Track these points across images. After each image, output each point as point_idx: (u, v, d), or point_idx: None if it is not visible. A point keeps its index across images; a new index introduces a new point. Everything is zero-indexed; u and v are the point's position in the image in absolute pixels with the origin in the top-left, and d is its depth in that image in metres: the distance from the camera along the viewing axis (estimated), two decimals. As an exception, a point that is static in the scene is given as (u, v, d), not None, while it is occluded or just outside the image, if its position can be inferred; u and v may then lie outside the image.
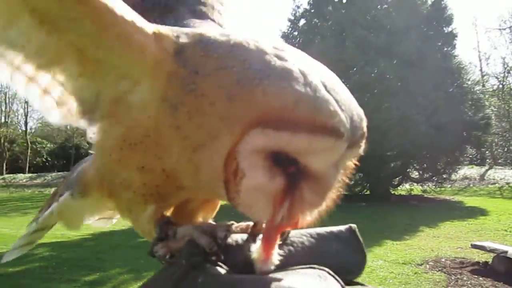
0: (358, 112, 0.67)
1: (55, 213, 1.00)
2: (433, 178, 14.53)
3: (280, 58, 0.65)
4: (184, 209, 0.93)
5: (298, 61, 0.66)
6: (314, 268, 0.69)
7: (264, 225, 0.77)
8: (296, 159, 0.65)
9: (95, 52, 0.72)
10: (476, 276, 5.63)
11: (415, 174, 14.92)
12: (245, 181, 0.67)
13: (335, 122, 0.62)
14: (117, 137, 0.77)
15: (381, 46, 12.97)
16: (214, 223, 0.84)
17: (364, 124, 0.69)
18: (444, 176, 14.47)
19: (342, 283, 0.66)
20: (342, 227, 0.79)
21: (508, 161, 23.67)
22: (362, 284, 0.75)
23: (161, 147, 0.74)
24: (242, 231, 0.83)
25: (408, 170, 14.60)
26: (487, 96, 16.60)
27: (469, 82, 14.39)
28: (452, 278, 5.57)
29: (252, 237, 0.77)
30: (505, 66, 26.46)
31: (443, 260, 6.41)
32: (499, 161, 24.45)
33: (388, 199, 13.32)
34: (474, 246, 6.35)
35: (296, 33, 16.03)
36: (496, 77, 27.30)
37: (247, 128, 0.64)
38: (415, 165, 14.63)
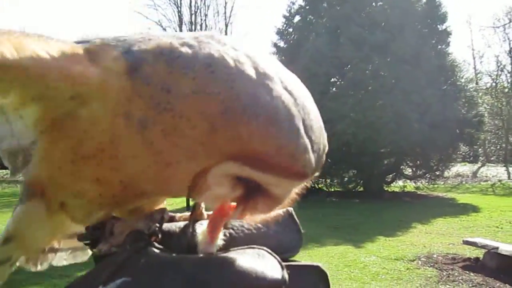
0: (324, 142, 0.68)
1: (10, 228, 0.94)
2: (426, 175, 14.61)
3: (266, 88, 0.63)
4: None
5: (282, 92, 0.64)
6: (253, 248, 0.73)
7: (206, 212, 0.84)
8: (259, 182, 0.67)
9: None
10: (467, 272, 5.68)
11: (408, 171, 15.00)
12: (208, 193, 0.69)
13: (306, 169, 0.65)
14: (66, 150, 0.74)
15: (376, 43, 12.99)
16: (148, 212, 0.86)
17: (325, 151, 0.71)
18: (437, 173, 14.56)
19: (280, 260, 0.70)
20: (280, 210, 0.81)
21: (501, 158, 23.86)
22: (298, 261, 0.81)
23: (118, 160, 0.73)
24: (184, 219, 0.87)
25: (401, 167, 14.66)
26: (480, 94, 16.72)
27: (463, 80, 14.47)
28: (444, 273, 5.62)
29: (192, 222, 0.81)
30: (499, 64, 26.65)
31: (435, 256, 6.46)
32: (492, 158, 24.64)
33: (381, 195, 13.38)
34: (466, 242, 6.40)
35: (291, 29, 16.00)
36: (490, 75, 27.50)
37: (225, 158, 0.64)
38: (408, 162, 14.71)
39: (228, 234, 0.78)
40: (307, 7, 15.53)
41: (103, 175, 0.76)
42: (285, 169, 0.63)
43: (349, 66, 13.43)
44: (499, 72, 26.62)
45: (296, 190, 0.74)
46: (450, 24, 14.64)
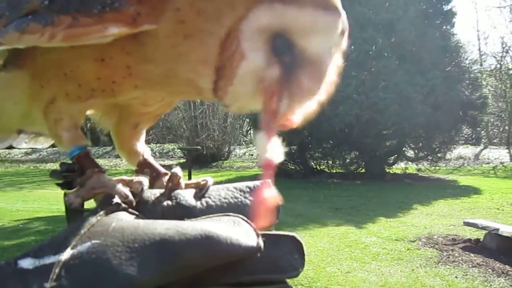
0: None
1: None
2: (428, 157, 14.57)
3: None
4: (125, 118, 0.92)
5: None
6: (229, 215, 0.74)
7: (184, 181, 0.83)
8: (294, 44, 0.66)
9: None
10: (467, 253, 5.70)
11: (410, 153, 14.96)
12: (244, 64, 0.67)
13: (335, 2, 0.68)
14: None
15: (380, 23, 12.83)
16: (129, 178, 0.83)
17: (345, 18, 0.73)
18: (439, 155, 14.53)
19: (255, 228, 0.70)
20: (258, 182, 0.82)
21: (503, 141, 23.78)
22: (275, 231, 0.80)
23: (135, 40, 0.70)
24: (160, 187, 0.86)
25: (403, 149, 14.62)
26: (484, 75, 16.58)
27: (467, 61, 14.31)
28: (444, 254, 5.65)
29: (168, 191, 0.80)
30: (504, 45, 26.29)
31: (435, 237, 6.49)
32: (494, 141, 24.57)
33: (383, 177, 13.39)
34: (467, 224, 6.42)
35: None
36: (494, 57, 27.20)
37: (252, 4, 0.64)
38: (410, 144, 14.66)
39: (204, 203, 0.78)
40: (311, -13, 15.30)
41: (110, 56, 0.73)
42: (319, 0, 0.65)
43: (352, 47, 13.28)
44: (504, 54, 26.30)
45: (336, 51, 0.72)
46: (455, 4, 14.45)
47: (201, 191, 0.81)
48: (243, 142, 24.01)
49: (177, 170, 0.85)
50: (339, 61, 0.75)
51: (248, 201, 0.80)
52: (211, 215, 0.74)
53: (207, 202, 0.78)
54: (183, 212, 0.76)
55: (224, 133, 19.91)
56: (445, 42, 13.60)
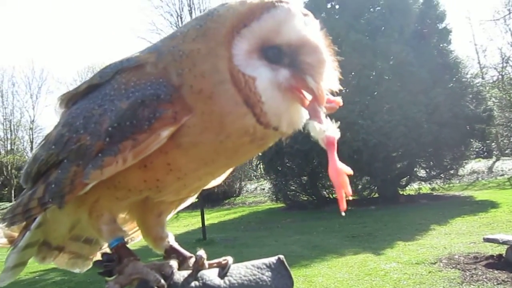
0: None
1: (36, 224, 1.04)
2: (441, 175, 14.44)
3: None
4: (149, 209, 1.06)
5: None
6: None
7: (208, 262, 0.96)
8: (277, 44, 0.82)
9: None
10: (491, 270, 5.58)
11: (422, 173, 14.83)
12: (258, 82, 0.81)
13: None
14: None
15: (377, 48, 13.00)
16: (160, 262, 0.96)
17: None
18: (452, 172, 14.38)
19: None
20: (273, 259, 0.96)
21: (515, 151, 23.51)
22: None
23: (170, 140, 0.84)
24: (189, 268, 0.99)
25: (415, 169, 14.51)
26: (487, 88, 16.57)
27: (468, 76, 14.37)
28: (467, 273, 5.52)
29: (195, 271, 0.92)
30: (503, 56, 26.36)
31: (456, 256, 6.36)
32: (506, 151, 24.29)
33: (397, 200, 13.24)
34: (487, 240, 6.29)
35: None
36: (495, 68, 27.23)
37: (228, 43, 0.81)
38: (421, 163, 14.56)
39: (227, 281, 0.89)
40: (306, 18, 15.60)
41: (151, 160, 0.87)
42: (260, 6, 0.82)
43: (352, 73, 13.42)
44: (504, 64, 26.34)
45: (308, 26, 0.86)
46: (449, 22, 14.62)
47: (223, 270, 0.93)
48: (254, 177, 23.98)
49: (201, 252, 0.98)
50: (319, 31, 0.89)
51: (265, 277, 0.92)
52: None
53: (229, 281, 0.89)
54: None
55: (234, 169, 19.89)
56: (443, 59, 13.71)
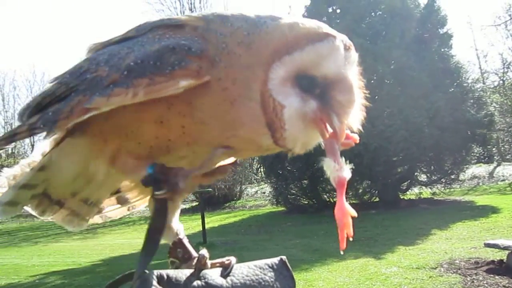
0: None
1: (39, 165, 1.03)
2: (442, 179, 14.41)
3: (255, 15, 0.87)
4: None
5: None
6: None
7: (210, 261, 0.96)
8: (314, 76, 0.82)
9: None
10: (492, 275, 5.56)
11: (423, 178, 14.81)
12: (286, 111, 0.82)
13: (323, 29, 0.83)
14: None
15: (378, 52, 13.02)
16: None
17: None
18: (452, 177, 14.35)
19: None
20: (275, 259, 0.98)
21: (516, 156, 23.48)
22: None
23: (190, 104, 0.86)
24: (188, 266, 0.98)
25: (415, 173, 14.49)
26: (488, 93, 16.55)
27: (469, 81, 14.37)
28: (468, 279, 5.51)
29: (198, 270, 0.92)
30: (504, 61, 26.36)
31: (457, 261, 6.34)
32: (507, 157, 24.25)
33: (398, 204, 13.22)
34: (488, 245, 6.27)
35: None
36: (496, 73, 27.22)
37: (267, 66, 0.81)
38: (422, 168, 14.53)
39: (230, 281, 0.89)
40: (307, 22, 15.64)
41: (168, 118, 0.88)
42: (307, 37, 0.82)
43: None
44: (505, 69, 26.33)
45: (350, 63, 0.85)
46: (450, 27, 14.62)
47: (226, 270, 0.93)
48: (254, 181, 23.97)
49: (204, 251, 0.98)
50: (356, 69, 0.89)
51: (267, 278, 0.93)
52: None
53: (232, 280, 0.89)
54: None
55: (234, 172, 19.92)
56: (444, 64, 13.72)
